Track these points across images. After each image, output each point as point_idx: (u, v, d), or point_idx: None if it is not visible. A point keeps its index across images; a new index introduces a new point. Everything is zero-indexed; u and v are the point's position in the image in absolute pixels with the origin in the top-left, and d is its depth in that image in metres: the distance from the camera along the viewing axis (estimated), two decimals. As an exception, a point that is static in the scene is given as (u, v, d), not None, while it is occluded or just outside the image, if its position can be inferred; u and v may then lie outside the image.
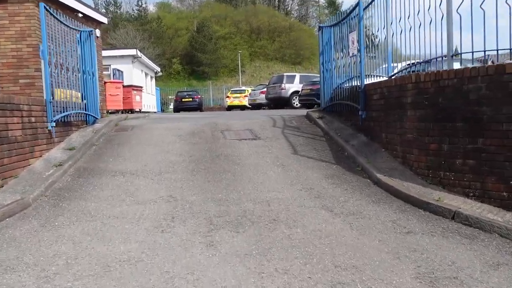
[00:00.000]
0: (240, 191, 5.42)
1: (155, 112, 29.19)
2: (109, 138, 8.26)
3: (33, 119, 6.33)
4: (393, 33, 6.80)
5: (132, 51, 22.07)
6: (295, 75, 22.82)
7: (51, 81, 7.80)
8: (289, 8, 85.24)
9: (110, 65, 21.34)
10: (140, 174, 6.13)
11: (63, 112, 7.50)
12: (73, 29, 8.53)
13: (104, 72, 20.81)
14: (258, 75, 63.20)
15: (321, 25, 9.55)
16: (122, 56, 22.26)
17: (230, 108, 28.29)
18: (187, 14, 73.61)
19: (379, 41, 7.79)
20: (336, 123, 8.54)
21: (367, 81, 7.47)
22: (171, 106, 33.66)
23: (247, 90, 27.98)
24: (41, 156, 6.56)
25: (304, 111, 12.15)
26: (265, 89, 24.03)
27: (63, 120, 7.57)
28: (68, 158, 6.62)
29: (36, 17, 9.22)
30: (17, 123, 5.83)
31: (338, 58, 8.76)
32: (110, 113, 16.97)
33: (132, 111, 20.73)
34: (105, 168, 6.41)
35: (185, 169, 6.37)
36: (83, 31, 8.88)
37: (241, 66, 59.11)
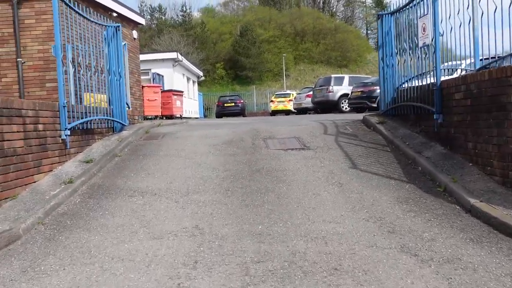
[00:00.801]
0: (286, 221, 4.14)
1: (196, 118, 28.49)
2: (135, 148, 7.22)
3: (40, 127, 5.33)
4: (482, 13, 5.30)
5: (173, 55, 21.33)
6: (343, 77, 21.26)
7: (76, 84, 6.93)
8: (334, 9, 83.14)
9: (150, 69, 20.72)
10: (163, 195, 4.97)
11: (82, 118, 6.53)
12: (96, 23, 7.58)
13: (144, 77, 20.22)
14: (302, 79, 61.65)
15: (380, 12, 8.11)
16: (162, 60, 21.60)
17: (274, 113, 27.05)
18: (231, 18, 73.28)
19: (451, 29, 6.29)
20: (401, 130, 7.08)
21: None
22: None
23: (292, 94, 26.65)
24: (51, 170, 5.57)
25: (358, 116, 10.73)
26: (311, 93, 22.62)
27: (82, 128, 6.59)
28: (83, 172, 5.59)
29: (64, 14, 8.38)
30: (17, 132, 4.84)
31: (402, 51, 7.29)
32: (148, 119, 16.20)
33: (172, 117, 19.98)
34: (123, 186, 5.32)
35: (218, 187, 5.16)
36: (109, 26, 7.93)
37: (285, 69, 57.86)
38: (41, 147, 5.34)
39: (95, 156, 6.33)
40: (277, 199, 4.71)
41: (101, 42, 7.84)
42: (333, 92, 20.30)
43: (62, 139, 5.89)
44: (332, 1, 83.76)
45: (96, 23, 7.58)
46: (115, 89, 7.99)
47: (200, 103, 32.46)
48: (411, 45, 7.00)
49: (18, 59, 9.77)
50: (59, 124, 5.84)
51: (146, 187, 5.24)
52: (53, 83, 8.69)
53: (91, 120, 6.89)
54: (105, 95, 8.05)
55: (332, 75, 21.56)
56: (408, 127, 7.15)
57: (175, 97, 20.27)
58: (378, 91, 17.94)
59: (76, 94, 7.81)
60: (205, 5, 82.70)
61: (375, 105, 17.47)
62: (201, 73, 29.98)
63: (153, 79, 20.34)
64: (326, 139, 7.24)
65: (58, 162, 5.79)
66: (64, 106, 5.89)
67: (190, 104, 26.59)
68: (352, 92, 18.64)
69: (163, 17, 66.63)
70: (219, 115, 26.80)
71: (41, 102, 5.51)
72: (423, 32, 6.28)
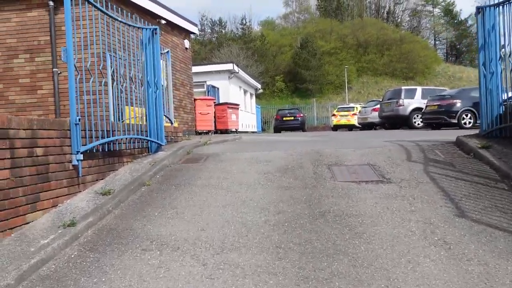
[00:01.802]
0: (371, 318, 2.54)
1: (254, 132, 27.29)
2: (169, 174, 5.90)
3: (39, 151, 4.12)
4: None
5: (229, 66, 20.28)
6: (415, 89, 19.09)
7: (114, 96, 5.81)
8: (399, 19, 79.64)
9: (205, 81, 19.80)
10: (188, 250, 3.54)
11: (105, 137, 5.31)
12: (129, 25, 6.42)
13: (198, 89, 19.29)
14: (365, 92, 59.02)
15: (480, 5, 6.26)
16: (218, 72, 20.62)
17: (337, 127, 25.23)
18: (291, 30, 72.26)
19: None
20: (518, 158, 5.22)
21: None
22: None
23: (356, 108, 24.72)
24: (55, 206, 4.34)
25: (442, 135, 8.84)
26: (378, 106, 20.61)
27: (104, 150, 5.38)
28: (93, 210, 4.31)
29: (102, 20, 7.32)
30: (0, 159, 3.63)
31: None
32: (200, 133, 15.10)
33: (227, 131, 18.86)
34: (139, 232, 3.95)
35: (265, 241, 3.65)
36: (145, 28, 6.74)
37: (348, 82, 55.62)
38: (40, 177, 4.12)
39: (116, 186, 5.06)
40: (353, 269, 3.11)
41: (134, 47, 6.68)
42: (403, 105, 18.23)
43: (73, 165, 4.67)
44: (397, 11, 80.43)
45: (129, 25, 6.41)
46: (151, 103, 6.77)
47: (258, 117, 31.29)
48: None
49: (54, 69, 8.95)
50: (69, 146, 4.62)
51: (169, 235, 3.84)
52: (89, 96, 7.68)
53: (117, 140, 5.66)
54: (143, 109, 6.88)
55: (403, 87, 19.47)
56: (527, 154, 5.27)
57: (230, 110, 19.16)
58: (459, 105, 15.73)
59: (114, 109, 6.73)
60: (265, 18, 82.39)
61: (455, 120, 15.23)
62: (259, 86, 28.83)
63: (208, 92, 19.36)
64: (411, 168, 5.52)
65: (67, 195, 4.56)
66: (76, 124, 4.68)
67: (247, 117, 25.44)
68: (426, 106, 16.50)
69: (223, 31, 66.92)
70: (278, 130, 25.41)
71: (42, 119, 4.31)
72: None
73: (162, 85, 8.47)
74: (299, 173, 5.59)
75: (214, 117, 18.06)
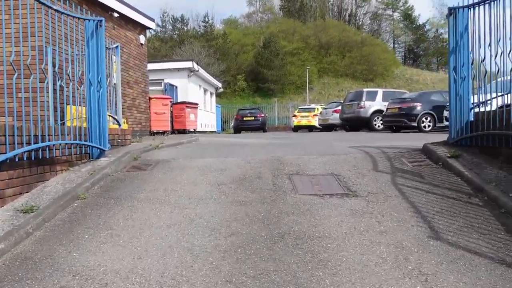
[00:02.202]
0: None
1: (213, 131, 26.59)
2: (109, 185, 5.20)
3: None
4: None
5: (188, 64, 19.48)
6: (377, 91, 19.03)
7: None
8: (360, 22, 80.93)
9: (163, 79, 18.93)
10: (118, 288, 2.90)
11: (31, 143, 4.55)
12: (65, 14, 5.64)
13: (155, 87, 18.41)
14: (326, 92, 59.45)
15: (453, 5, 5.90)
16: (177, 70, 19.80)
17: (297, 128, 24.93)
18: (254, 30, 71.84)
19: None
20: (490, 170, 4.88)
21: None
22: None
23: (317, 109, 24.50)
24: (-41, 228, 3.58)
25: (408, 141, 8.54)
26: (339, 108, 20.45)
27: (31, 157, 4.62)
28: (8, 232, 3.56)
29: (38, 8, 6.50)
30: None
31: (492, 58, 5.11)
32: (155, 133, 14.29)
33: (185, 131, 18.11)
34: (61, 263, 3.26)
35: (213, 273, 3.05)
36: (88, 20, 5.99)
37: (309, 83, 55.76)
38: None
39: (43, 201, 4.32)
40: (317, 312, 2.58)
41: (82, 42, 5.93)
42: (365, 108, 18.12)
43: (-15, 178, 3.92)
44: (358, 14, 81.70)
45: (67, 15, 5.64)
46: (93, 103, 6.02)
47: (218, 116, 30.60)
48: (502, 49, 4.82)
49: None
50: (-19, 155, 3.87)
51: (98, 266, 3.17)
52: (27, 93, 6.82)
53: (48, 146, 4.90)
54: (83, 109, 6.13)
55: (364, 89, 19.36)
56: (499, 165, 4.94)
57: (189, 110, 18.41)
58: (419, 108, 15.67)
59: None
60: (228, 17, 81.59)
61: (414, 124, 15.17)
62: (219, 84, 28.14)
63: (166, 90, 18.52)
64: (378, 179, 5.08)
65: (-23, 213, 3.80)
66: (-9, 128, 3.92)
67: (206, 117, 24.72)
68: (387, 109, 16.41)
69: (185, 28, 65.60)
70: (238, 130, 24.83)
71: None
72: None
73: (112, 84, 7.72)
74: (257, 184, 5.03)
75: (172, 116, 17.27)
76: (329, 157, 6.28)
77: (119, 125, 7.85)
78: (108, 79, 7.60)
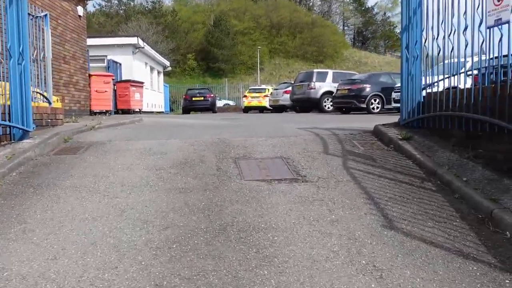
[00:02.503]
0: None
1: (161, 112, 25.69)
2: (31, 170, 4.58)
3: None
4: None
5: (133, 40, 18.42)
6: (327, 72, 18.94)
7: None
8: (311, 3, 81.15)
9: (106, 56, 17.85)
10: (24, 297, 2.41)
11: None
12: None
13: (97, 64, 17.31)
14: (277, 73, 59.40)
15: (406, -19, 5.63)
16: (120, 46, 18.73)
17: (248, 109, 24.57)
18: (204, 7, 70.18)
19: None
20: (442, 153, 4.72)
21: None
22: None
23: (268, 89, 24.19)
24: None
25: (359, 122, 8.39)
26: (289, 89, 20.24)
27: None
28: None
29: None
30: None
31: (444, 37, 4.89)
32: (96, 113, 13.41)
33: (129, 111, 17.25)
34: (-44, 266, 2.71)
35: (140, 277, 2.60)
36: (2, -19, 5.20)
37: (260, 63, 55.38)
38: None
39: None
40: (260, 321, 2.23)
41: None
42: (315, 88, 18.00)
43: None
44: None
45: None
46: (14, 78, 5.29)
47: (166, 96, 29.61)
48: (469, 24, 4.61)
49: None
50: None
51: (1, 270, 2.65)
52: None
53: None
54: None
55: (315, 70, 19.21)
56: (450, 148, 4.79)
57: (134, 88, 17.54)
58: (368, 89, 15.69)
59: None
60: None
61: (364, 105, 15.22)
62: (167, 63, 27.12)
63: (109, 67, 17.47)
64: (329, 163, 4.80)
65: None
66: None
67: (153, 96, 23.78)
68: (337, 90, 16.37)
69: (132, 3, 62.82)
70: (186, 110, 24.12)
71: None
72: (497, 2, 3.90)
73: (41, 57, 6.95)
74: (200, 169, 4.60)
75: (115, 96, 16.35)
76: (278, 139, 5.94)
77: (49, 103, 7.09)
78: (36, 51, 6.82)
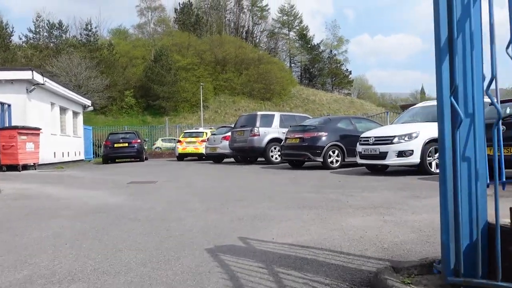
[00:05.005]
0: None
1: (81, 160, 21.34)
2: None
3: None
4: None
5: (26, 74, 14.31)
6: (273, 115, 15.67)
7: None
8: (257, 40, 79.88)
9: (-13, 95, 13.62)
10: None
11: None
12: None
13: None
14: (222, 111, 56.27)
15: None
16: (9, 82, 14.57)
17: (182, 156, 20.80)
18: (145, 42, 66.67)
19: None
20: None
21: None
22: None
23: (206, 133, 20.63)
24: None
25: (317, 194, 4.86)
26: (229, 134, 16.76)
27: None
28: None
29: None
30: None
31: None
32: None
33: (17, 167, 13.04)
34: None
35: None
36: None
37: (204, 100, 52.06)
38: None
39: None
40: None
41: None
42: (259, 135, 14.63)
43: None
44: (255, 32, 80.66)
45: None
46: None
47: (87, 140, 25.25)
48: None
49: None
50: None
51: None
52: None
53: None
54: None
55: (258, 113, 15.86)
56: None
57: (24, 137, 13.39)
58: (324, 138, 12.00)
59: None
60: (117, 26, 75.02)
61: (320, 159, 11.89)
62: (88, 102, 22.97)
63: (-11, 110, 13.23)
64: None
65: None
66: None
67: (66, 143, 19.49)
68: (286, 139, 13.03)
69: (64, 36, 58.14)
70: (107, 159, 19.99)
71: None
72: None
73: None
74: None
75: (-10, 148, 12.16)
76: None
77: None
78: None
